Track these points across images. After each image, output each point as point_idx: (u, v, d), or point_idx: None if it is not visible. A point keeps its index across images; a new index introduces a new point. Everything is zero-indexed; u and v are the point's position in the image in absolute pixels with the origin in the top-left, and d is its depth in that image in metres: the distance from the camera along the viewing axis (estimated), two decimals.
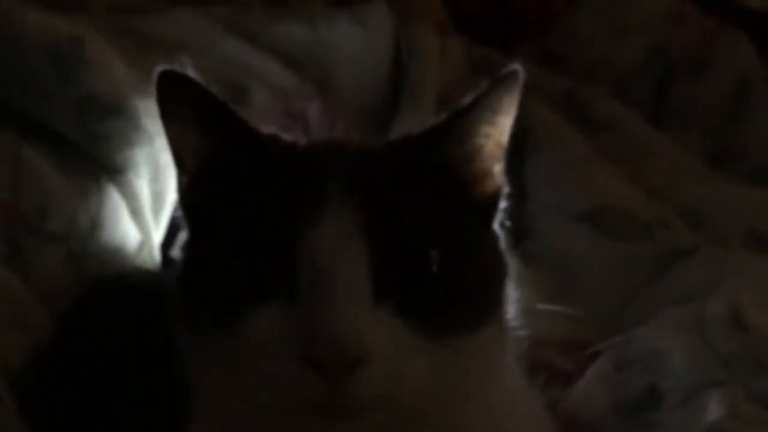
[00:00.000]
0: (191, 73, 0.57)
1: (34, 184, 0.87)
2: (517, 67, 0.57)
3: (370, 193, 0.54)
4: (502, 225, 0.61)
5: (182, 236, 0.61)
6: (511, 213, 0.62)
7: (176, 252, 0.62)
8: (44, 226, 0.86)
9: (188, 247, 0.59)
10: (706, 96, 1.38)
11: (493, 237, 0.60)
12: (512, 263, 0.61)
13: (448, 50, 1.35)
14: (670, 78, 1.42)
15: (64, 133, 0.92)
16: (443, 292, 0.54)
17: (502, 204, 0.60)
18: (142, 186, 0.94)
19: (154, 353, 0.72)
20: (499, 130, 0.58)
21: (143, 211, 0.94)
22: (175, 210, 0.63)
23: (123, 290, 0.86)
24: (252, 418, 0.55)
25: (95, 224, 0.89)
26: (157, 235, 0.97)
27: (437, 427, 0.56)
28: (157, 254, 0.97)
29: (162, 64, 0.56)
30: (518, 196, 1.09)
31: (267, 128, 0.61)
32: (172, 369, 0.59)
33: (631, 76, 1.42)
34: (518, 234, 1.04)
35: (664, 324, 0.73)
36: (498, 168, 0.60)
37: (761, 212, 1.05)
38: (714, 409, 0.63)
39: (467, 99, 0.57)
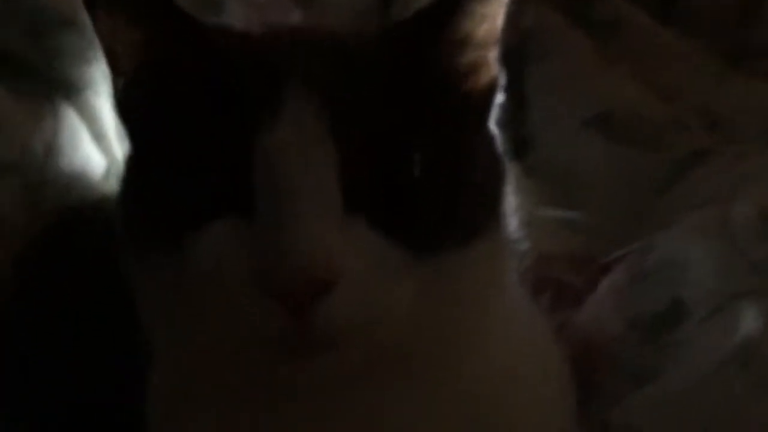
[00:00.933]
0: None
1: None
2: None
3: (337, 86, 0.46)
4: (498, 124, 0.53)
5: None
6: (510, 123, 0.57)
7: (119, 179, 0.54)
8: None
9: (129, 160, 0.52)
10: None
11: (488, 136, 0.52)
12: (512, 174, 0.54)
13: None
14: None
15: (11, 51, 0.84)
16: (428, 198, 0.46)
17: (499, 98, 0.53)
18: (104, 106, 0.86)
19: (114, 295, 0.65)
20: (493, 10, 0.50)
21: (106, 133, 0.86)
22: None
23: (88, 222, 0.78)
24: (207, 358, 0.48)
25: (52, 149, 0.81)
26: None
27: (423, 366, 0.48)
28: None
29: None
30: (518, 106, 1.00)
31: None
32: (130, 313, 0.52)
33: None
34: (519, 146, 0.97)
35: (685, 230, 0.65)
36: (492, 56, 0.52)
37: None
38: (748, 321, 0.55)
39: None
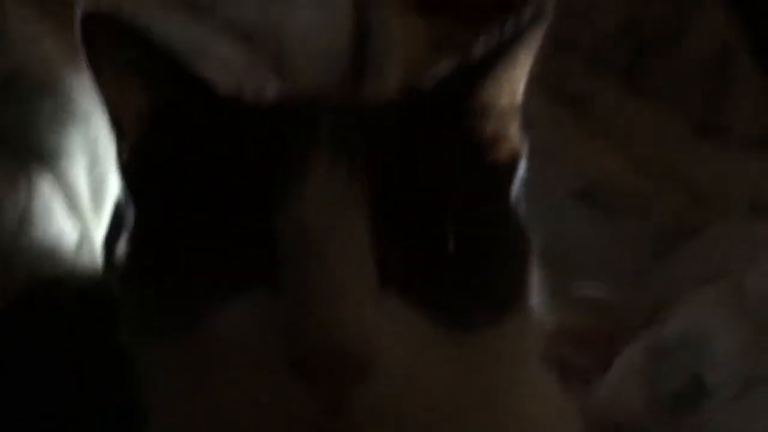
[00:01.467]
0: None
1: None
2: (542, 7, 0.47)
3: (365, 152, 0.44)
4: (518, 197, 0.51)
5: (127, 218, 0.50)
6: None
7: (122, 248, 0.50)
8: None
9: (134, 231, 0.48)
10: (683, 67, 1.30)
11: (513, 209, 0.50)
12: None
13: (411, 31, 1.28)
14: (642, 50, 1.35)
15: None
16: (463, 272, 0.43)
17: (521, 171, 0.51)
18: (78, 174, 0.82)
19: (97, 371, 0.61)
20: (516, 75, 0.49)
21: (80, 203, 0.82)
22: (120, 201, 0.53)
23: (59, 296, 0.74)
24: None
25: (24, 219, 0.77)
26: (99, 231, 0.84)
27: None
28: (98, 254, 0.84)
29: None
30: None
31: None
32: (120, 391, 0.48)
33: (602, 49, 1.35)
34: None
35: (700, 305, 0.63)
36: (514, 129, 0.50)
37: (763, 181, 0.97)
38: None
39: (480, 47, 0.48)
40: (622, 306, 0.77)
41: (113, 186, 0.83)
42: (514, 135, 0.50)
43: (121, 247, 0.49)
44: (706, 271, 0.73)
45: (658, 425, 0.58)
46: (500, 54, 0.47)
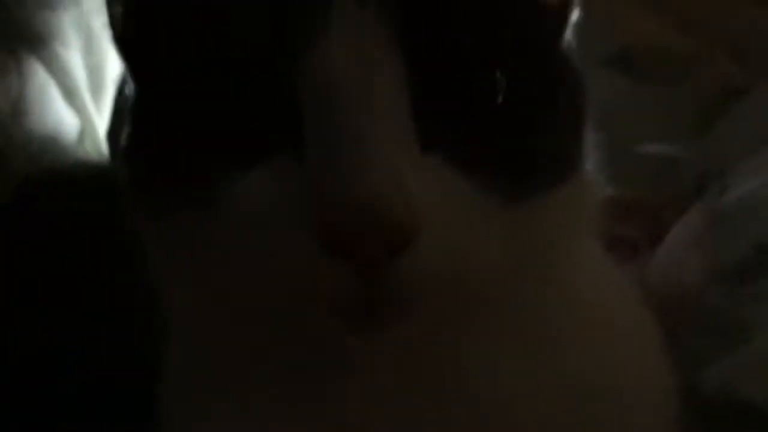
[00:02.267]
0: None
1: None
2: None
3: None
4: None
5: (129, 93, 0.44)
6: None
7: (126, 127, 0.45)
8: None
9: (136, 103, 0.42)
10: None
11: (567, 59, 0.44)
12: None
13: None
14: None
15: None
16: (515, 132, 0.38)
17: (574, 15, 0.45)
18: (74, 59, 0.76)
19: (106, 265, 0.57)
20: None
21: (78, 90, 0.77)
22: (122, 83, 0.48)
23: (60, 190, 0.71)
24: (244, 330, 0.39)
25: (18, 109, 0.71)
26: (101, 119, 0.79)
27: (512, 319, 0.41)
28: (103, 145, 0.79)
29: None
30: None
31: None
32: (132, 283, 0.43)
33: None
34: None
35: (759, 169, 0.58)
36: None
37: None
38: None
39: None
40: (670, 173, 0.71)
41: (113, 70, 0.77)
42: None
43: (126, 125, 0.44)
44: (758, 136, 0.67)
45: (719, 297, 0.53)
46: None
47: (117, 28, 0.43)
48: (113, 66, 0.77)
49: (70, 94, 0.75)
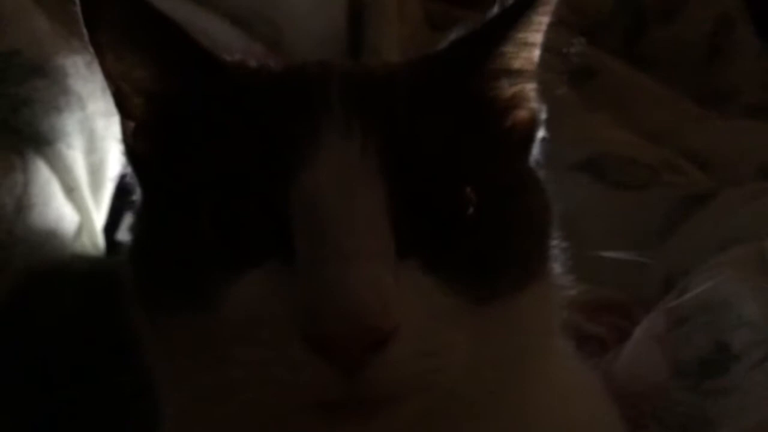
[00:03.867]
0: None
1: None
2: None
3: (380, 117, 0.42)
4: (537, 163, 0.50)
5: (136, 197, 0.48)
6: None
7: (124, 234, 0.49)
8: None
9: (142, 210, 0.47)
10: (683, 39, 1.29)
11: (533, 174, 0.48)
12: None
13: (406, 8, 1.26)
14: (641, 25, 1.34)
15: None
16: (483, 241, 0.42)
17: (540, 134, 0.49)
18: (76, 158, 0.80)
19: (102, 356, 0.59)
20: (533, 37, 0.47)
21: (79, 188, 0.80)
22: (121, 183, 0.54)
23: (60, 283, 0.74)
24: (236, 425, 0.42)
25: (22, 205, 0.75)
26: (99, 216, 0.83)
27: (487, 418, 0.43)
28: (99, 239, 0.83)
29: None
30: None
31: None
32: (127, 375, 0.47)
33: (600, 25, 1.33)
34: None
35: (719, 269, 0.62)
36: (531, 89, 0.49)
37: None
38: None
39: (494, 12, 0.46)
40: (638, 274, 0.75)
41: (112, 168, 0.81)
42: (532, 99, 0.49)
43: (130, 227, 0.47)
44: (721, 237, 0.71)
45: (682, 392, 0.57)
46: (517, 15, 0.45)
47: (128, 142, 0.47)
48: (113, 165, 0.80)
49: (71, 191, 0.79)
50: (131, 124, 0.46)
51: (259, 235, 0.40)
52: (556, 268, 0.49)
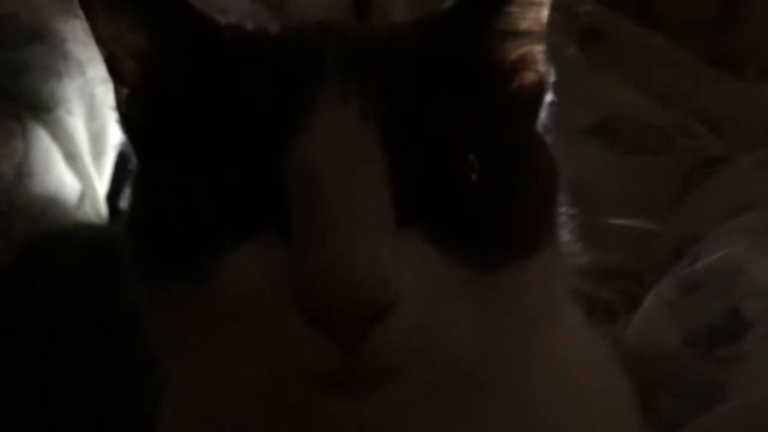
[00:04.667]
0: None
1: None
2: None
3: (378, 82, 0.40)
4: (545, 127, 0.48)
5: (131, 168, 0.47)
6: None
7: (127, 202, 0.48)
8: None
9: (138, 179, 0.45)
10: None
11: (540, 139, 0.47)
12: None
13: None
14: None
15: None
16: (487, 208, 0.40)
17: (548, 97, 0.47)
18: (77, 125, 0.79)
19: (105, 326, 0.59)
20: (537, 7, 0.45)
21: (81, 155, 0.79)
22: (123, 150, 0.52)
23: (62, 251, 0.73)
24: (236, 399, 0.41)
25: (22, 172, 0.74)
26: (101, 183, 0.82)
27: (489, 384, 0.42)
28: (102, 207, 0.82)
29: None
30: None
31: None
32: (129, 345, 0.45)
33: None
34: None
35: (731, 236, 0.60)
36: (540, 50, 0.46)
37: None
38: None
39: None
40: (649, 240, 0.74)
41: (114, 136, 0.80)
42: (539, 61, 0.47)
43: (126, 198, 0.46)
44: (734, 203, 0.70)
45: (694, 360, 0.55)
46: None
47: (122, 109, 0.46)
48: (114, 132, 0.79)
49: (72, 158, 0.78)
50: (125, 91, 0.45)
51: (255, 206, 0.39)
52: (565, 235, 0.47)
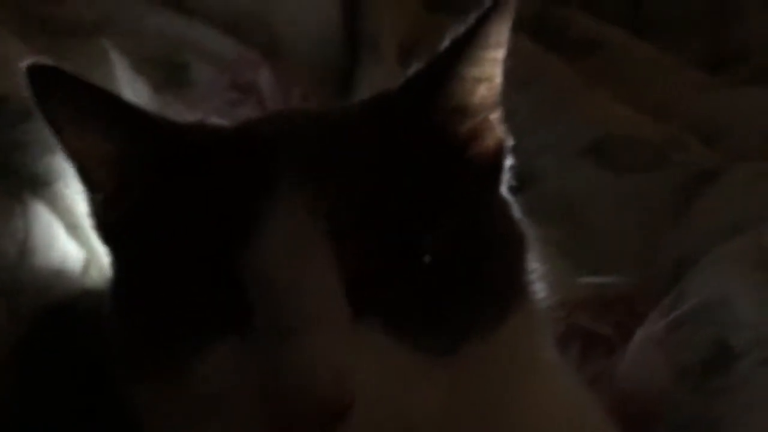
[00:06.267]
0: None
1: None
2: None
3: (330, 173, 0.42)
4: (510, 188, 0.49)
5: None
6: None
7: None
8: None
9: (115, 280, 0.48)
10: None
11: (503, 204, 0.47)
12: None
13: None
14: None
15: None
16: (446, 286, 0.41)
17: (508, 161, 0.48)
18: (75, 197, 0.79)
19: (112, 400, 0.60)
20: (488, 71, 0.46)
21: (81, 224, 0.80)
22: None
23: (72, 320, 0.73)
24: None
25: (25, 250, 0.75)
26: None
27: None
28: (107, 268, 0.83)
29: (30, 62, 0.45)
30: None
31: (194, 116, 0.49)
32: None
33: None
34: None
35: (718, 265, 0.60)
36: (495, 117, 0.48)
37: None
38: None
39: (448, 39, 0.46)
40: (644, 267, 0.74)
41: None
42: (496, 127, 0.48)
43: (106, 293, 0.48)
44: (728, 221, 0.70)
45: (686, 394, 0.56)
46: (460, 53, 0.44)
47: (98, 215, 0.47)
48: None
49: (73, 228, 0.79)
50: (100, 196, 0.47)
51: (223, 309, 0.40)
52: (538, 290, 0.48)
